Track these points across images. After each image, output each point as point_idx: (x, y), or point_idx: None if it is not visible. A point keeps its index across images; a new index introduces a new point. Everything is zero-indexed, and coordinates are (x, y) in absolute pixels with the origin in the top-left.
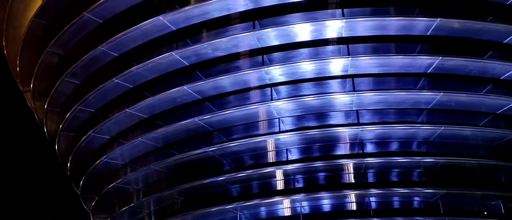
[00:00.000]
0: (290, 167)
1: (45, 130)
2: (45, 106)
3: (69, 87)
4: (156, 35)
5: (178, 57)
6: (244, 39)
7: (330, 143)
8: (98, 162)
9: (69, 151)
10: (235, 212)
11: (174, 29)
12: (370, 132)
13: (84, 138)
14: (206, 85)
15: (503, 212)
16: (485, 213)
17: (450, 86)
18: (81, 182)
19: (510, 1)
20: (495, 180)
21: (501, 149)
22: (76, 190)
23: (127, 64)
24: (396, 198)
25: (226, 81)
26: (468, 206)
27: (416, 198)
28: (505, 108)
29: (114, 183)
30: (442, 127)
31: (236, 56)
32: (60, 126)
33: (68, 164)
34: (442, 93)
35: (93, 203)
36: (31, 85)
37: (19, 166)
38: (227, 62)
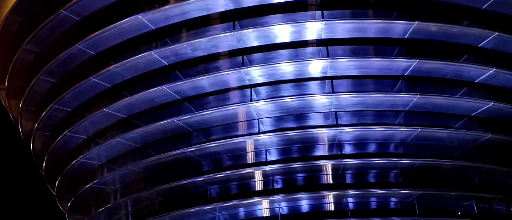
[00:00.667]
0: (269, 167)
1: (20, 129)
2: (20, 105)
3: (45, 86)
4: (134, 34)
5: (157, 57)
6: (224, 40)
7: (309, 144)
8: (74, 162)
9: (44, 150)
10: (213, 213)
11: (153, 28)
12: (348, 133)
13: (60, 137)
14: (185, 85)
15: (476, 211)
16: (459, 213)
17: (427, 88)
18: (57, 182)
19: (485, 6)
20: (469, 181)
21: (475, 150)
22: (51, 190)
23: (105, 63)
24: (373, 199)
25: (205, 82)
26: (442, 207)
27: (393, 199)
28: (479, 110)
29: (91, 184)
30: (418, 128)
31: (216, 56)
32: (36, 125)
33: (44, 164)
34: (419, 96)
35: (69, 204)
36: (6, 83)
37: None
38: (206, 63)
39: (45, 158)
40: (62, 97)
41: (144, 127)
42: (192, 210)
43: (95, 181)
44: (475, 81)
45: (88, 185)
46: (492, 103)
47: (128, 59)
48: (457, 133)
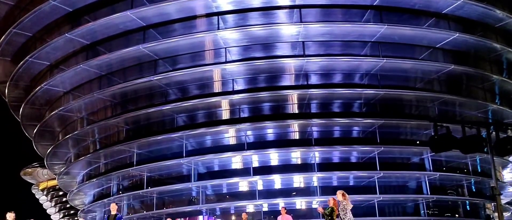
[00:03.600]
0: (235, 97)
1: None
2: None
3: (3, 9)
4: None
5: None
6: None
7: (276, 73)
8: (38, 88)
9: (6, 76)
10: (181, 140)
11: None
12: (315, 63)
13: (21, 63)
14: (150, 11)
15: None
16: (418, 142)
17: (395, 19)
18: (21, 109)
19: None
20: (429, 111)
21: (437, 81)
22: (16, 117)
23: None
24: (337, 128)
25: (171, 8)
26: (403, 136)
27: (356, 128)
28: (444, 42)
29: (57, 111)
30: (384, 59)
31: None
32: None
33: (6, 90)
34: (386, 26)
35: (35, 131)
36: None
37: None
38: None
39: (8, 84)
40: (21, 21)
41: (108, 54)
42: (159, 137)
43: (61, 108)
44: (443, 12)
45: (53, 112)
46: (457, 34)
47: None
48: (421, 64)
